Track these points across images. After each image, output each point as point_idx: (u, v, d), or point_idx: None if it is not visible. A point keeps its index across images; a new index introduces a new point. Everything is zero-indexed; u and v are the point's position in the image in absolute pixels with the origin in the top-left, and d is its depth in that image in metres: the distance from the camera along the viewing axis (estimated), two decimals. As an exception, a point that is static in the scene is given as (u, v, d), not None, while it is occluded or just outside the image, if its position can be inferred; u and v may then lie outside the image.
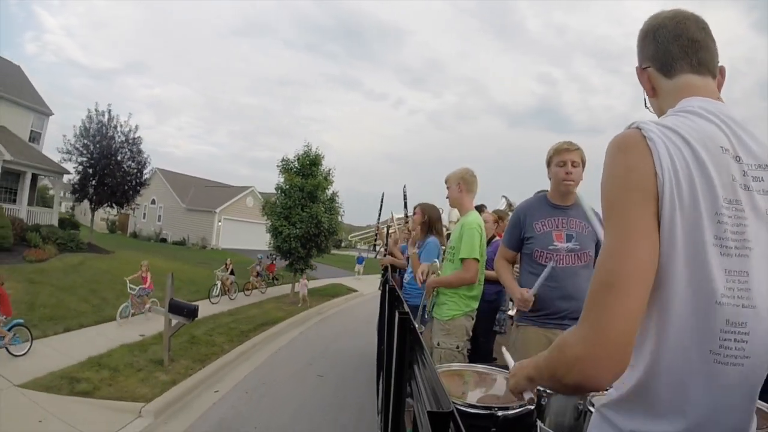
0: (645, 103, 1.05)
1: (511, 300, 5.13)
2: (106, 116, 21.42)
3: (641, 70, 1.01)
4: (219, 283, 12.09)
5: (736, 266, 0.78)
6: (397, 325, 1.51)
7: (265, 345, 8.27)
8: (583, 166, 2.52)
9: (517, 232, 2.61)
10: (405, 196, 4.12)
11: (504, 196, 5.19)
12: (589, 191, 2.73)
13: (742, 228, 0.79)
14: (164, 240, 30.19)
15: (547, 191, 2.63)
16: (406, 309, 1.58)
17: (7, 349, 6.01)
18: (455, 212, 3.78)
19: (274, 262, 16.04)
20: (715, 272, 0.77)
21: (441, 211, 4.14)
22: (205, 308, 8.40)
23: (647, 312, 0.79)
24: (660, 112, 0.98)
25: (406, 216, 4.06)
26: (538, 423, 1.39)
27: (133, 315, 8.79)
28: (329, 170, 13.01)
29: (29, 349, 6.22)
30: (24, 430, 4.40)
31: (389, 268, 4.31)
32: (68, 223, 21.40)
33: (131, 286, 9.06)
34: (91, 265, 14.02)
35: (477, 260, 2.88)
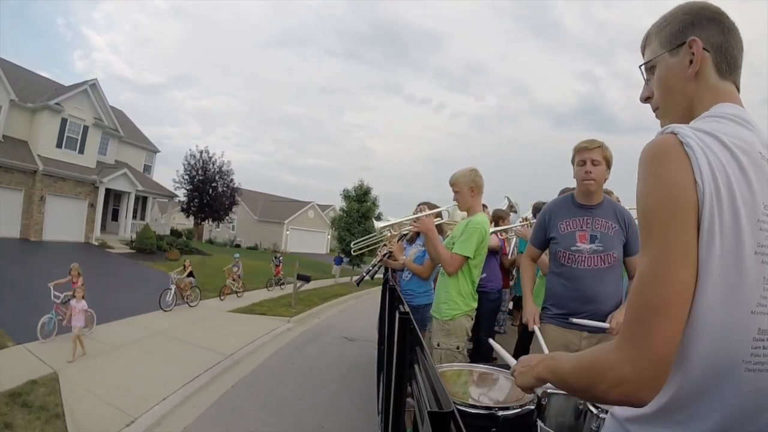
0: (641, 96, 0.98)
1: (512, 300, 5.10)
2: (204, 154, 28.26)
3: (698, 46, 0.87)
4: (173, 288, 9.93)
5: None
6: (398, 325, 1.49)
7: (339, 304, 13.87)
8: (608, 164, 2.43)
9: (543, 232, 2.57)
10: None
11: (506, 197, 5.24)
12: (619, 189, 2.94)
13: None
14: (238, 246, 34.95)
15: (573, 189, 2.57)
16: (406, 309, 1.56)
17: None
18: (459, 214, 3.78)
19: (280, 264, 15.94)
20: (752, 282, 0.74)
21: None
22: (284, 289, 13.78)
23: None
24: (685, 98, 0.91)
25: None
26: (539, 423, 1.35)
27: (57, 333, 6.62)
28: (376, 197, 19.01)
29: None
30: (241, 325, 9.86)
31: (389, 269, 4.31)
32: (177, 233, 27.67)
33: (55, 293, 6.83)
34: (208, 263, 19.40)
35: (465, 258, 2.82)
